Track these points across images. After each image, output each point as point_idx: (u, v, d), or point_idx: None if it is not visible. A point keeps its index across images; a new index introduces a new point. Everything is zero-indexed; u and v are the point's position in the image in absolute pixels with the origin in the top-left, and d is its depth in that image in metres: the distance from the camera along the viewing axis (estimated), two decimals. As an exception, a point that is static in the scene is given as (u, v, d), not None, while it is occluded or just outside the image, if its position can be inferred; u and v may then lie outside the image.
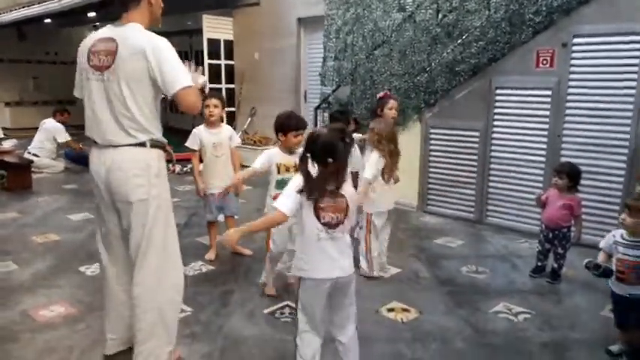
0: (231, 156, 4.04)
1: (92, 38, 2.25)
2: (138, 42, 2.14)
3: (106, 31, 2.24)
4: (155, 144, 2.28)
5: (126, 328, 2.49)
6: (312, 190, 2.06)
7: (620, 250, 2.55)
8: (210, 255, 4.04)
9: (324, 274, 2.11)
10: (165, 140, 2.36)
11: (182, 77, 2.17)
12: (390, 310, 3.17)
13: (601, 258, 2.66)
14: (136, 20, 2.23)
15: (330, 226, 2.09)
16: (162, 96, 2.28)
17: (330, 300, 2.19)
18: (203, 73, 2.77)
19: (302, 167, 2.08)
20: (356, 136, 4.79)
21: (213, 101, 3.89)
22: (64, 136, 7.43)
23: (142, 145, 2.23)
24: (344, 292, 2.20)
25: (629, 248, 2.52)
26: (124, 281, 2.43)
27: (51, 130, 7.47)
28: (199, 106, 2.28)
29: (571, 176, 3.54)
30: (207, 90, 2.85)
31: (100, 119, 2.21)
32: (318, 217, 2.07)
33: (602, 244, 2.69)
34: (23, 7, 10.26)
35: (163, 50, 2.16)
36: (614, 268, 2.57)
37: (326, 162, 2.05)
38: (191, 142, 3.96)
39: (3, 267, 3.78)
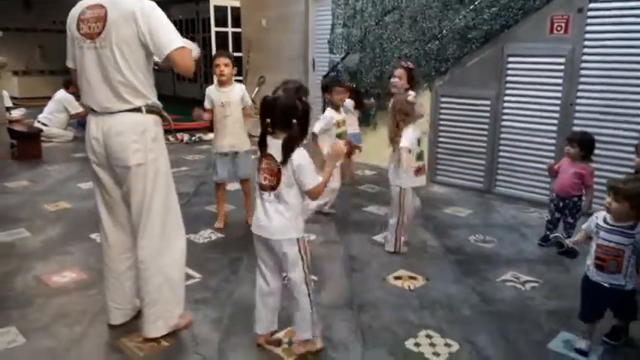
0: (243, 116, 3.99)
1: (80, 6, 2.23)
2: (127, 6, 2.13)
3: None
4: (151, 109, 2.30)
5: (127, 299, 2.54)
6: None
7: (602, 235, 2.31)
8: (219, 224, 4.06)
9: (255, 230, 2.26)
10: (160, 104, 2.37)
11: (174, 38, 2.18)
12: (397, 278, 3.19)
13: (579, 237, 2.54)
14: None
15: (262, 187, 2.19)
16: (155, 61, 2.28)
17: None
18: (200, 45, 2.76)
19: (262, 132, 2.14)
20: (349, 102, 4.72)
21: (223, 60, 3.82)
22: (75, 107, 7.45)
23: (138, 110, 2.25)
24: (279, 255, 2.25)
25: (611, 234, 2.28)
26: (126, 248, 2.47)
27: (62, 101, 7.51)
28: (193, 66, 2.27)
29: (582, 145, 3.49)
30: (197, 56, 2.76)
31: (95, 87, 2.22)
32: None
33: (584, 225, 2.49)
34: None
35: (153, 13, 2.15)
36: (592, 254, 2.35)
37: (290, 125, 2.07)
38: (206, 102, 3.94)
39: (16, 234, 3.85)
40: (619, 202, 2.23)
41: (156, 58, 2.25)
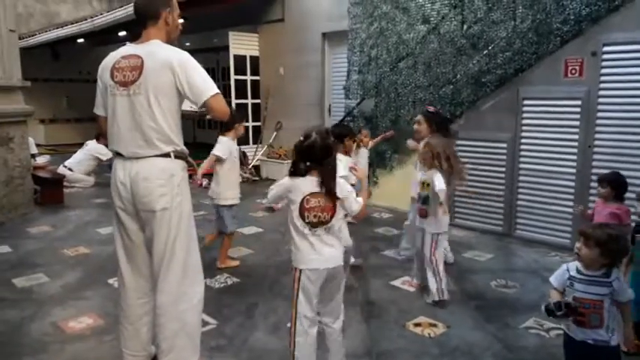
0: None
1: (115, 56, 2.33)
2: (164, 56, 2.23)
3: (129, 49, 2.32)
4: (179, 155, 2.35)
5: (142, 346, 2.51)
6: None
7: (578, 288, 2.11)
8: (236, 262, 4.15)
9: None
10: (187, 151, 2.42)
11: (211, 85, 2.27)
12: (417, 324, 3.11)
13: (553, 297, 2.19)
14: (155, 37, 2.33)
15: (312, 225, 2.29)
16: (191, 107, 2.35)
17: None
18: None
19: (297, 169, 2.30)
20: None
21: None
22: (106, 153, 7.68)
23: (167, 155, 2.30)
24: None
25: (588, 285, 2.10)
26: (144, 292, 2.47)
27: (92, 151, 7.85)
28: (228, 111, 2.39)
29: (613, 184, 3.42)
30: None
31: (125, 132, 2.28)
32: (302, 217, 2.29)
33: (552, 279, 2.23)
34: (57, 28, 10.64)
35: (189, 62, 2.25)
36: None
37: (322, 163, 2.27)
38: (222, 151, 4.01)
39: (35, 279, 3.87)
40: (589, 248, 2.08)
41: (187, 106, 2.33)
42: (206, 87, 2.25)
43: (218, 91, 2.28)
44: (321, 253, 2.30)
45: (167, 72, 2.21)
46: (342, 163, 4.25)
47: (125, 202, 2.34)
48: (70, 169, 7.61)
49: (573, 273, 2.14)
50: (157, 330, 2.38)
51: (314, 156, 2.28)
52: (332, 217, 2.29)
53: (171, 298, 2.34)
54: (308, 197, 2.27)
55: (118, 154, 2.35)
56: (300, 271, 2.30)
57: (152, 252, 2.36)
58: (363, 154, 5.42)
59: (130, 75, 2.23)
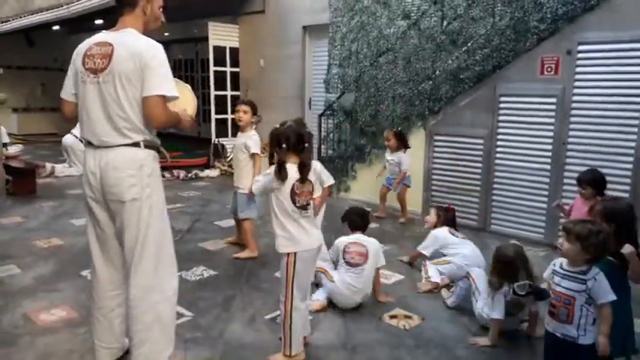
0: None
1: (88, 43, 2.29)
2: (134, 45, 2.19)
3: (103, 35, 2.29)
4: (149, 144, 2.30)
5: (115, 338, 2.48)
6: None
7: (555, 281, 2.21)
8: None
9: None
10: (158, 141, 2.37)
11: (164, 85, 2.19)
12: (393, 317, 3.15)
13: (547, 288, 2.43)
14: (132, 26, 2.28)
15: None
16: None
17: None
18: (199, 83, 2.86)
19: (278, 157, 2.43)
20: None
21: (243, 107, 4.17)
22: None
23: (136, 145, 2.25)
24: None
25: (563, 279, 2.17)
26: (117, 285, 2.43)
27: None
28: (163, 121, 2.25)
29: (592, 185, 3.50)
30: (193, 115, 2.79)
31: (95, 120, 2.24)
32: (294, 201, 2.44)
33: (545, 274, 2.41)
34: (32, 14, 10.37)
35: (157, 56, 2.20)
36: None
37: (297, 149, 2.43)
38: (259, 146, 4.15)
39: (5, 271, 3.79)
40: (570, 243, 2.14)
41: None
42: (157, 84, 2.17)
43: (168, 95, 2.20)
44: (311, 234, 2.49)
45: (135, 59, 2.16)
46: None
47: (95, 191, 2.30)
48: (76, 136, 7.39)
49: (557, 267, 2.23)
50: (129, 322, 2.35)
51: (288, 140, 2.40)
52: (310, 199, 2.48)
53: (144, 290, 2.30)
54: (295, 183, 2.41)
55: (88, 143, 2.31)
56: (295, 254, 2.45)
57: (123, 244, 2.32)
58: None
59: (100, 62, 2.20)
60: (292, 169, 2.42)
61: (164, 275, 2.36)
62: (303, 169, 2.42)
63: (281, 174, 2.39)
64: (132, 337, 2.33)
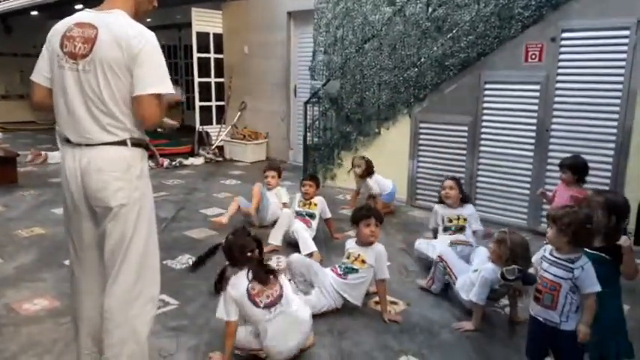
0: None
1: (68, 22, 1.98)
2: (122, 29, 1.89)
3: (85, 15, 1.97)
4: (136, 142, 2.02)
5: (97, 344, 2.19)
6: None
7: (543, 267, 2.22)
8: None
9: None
10: (147, 138, 2.10)
11: (159, 82, 1.94)
12: (378, 302, 3.16)
13: (534, 273, 2.44)
14: (120, 7, 1.98)
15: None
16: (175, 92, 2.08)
17: None
18: (181, 85, 2.70)
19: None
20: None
21: (271, 173, 4.66)
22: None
23: (122, 143, 1.98)
24: None
25: (550, 265, 2.18)
26: (97, 295, 2.13)
27: None
28: (159, 121, 2.05)
29: (572, 169, 3.55)
30: (183, 98, 2.68)
31: (76, 114, 1.94)
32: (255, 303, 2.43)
33: (533, 258, 2.43)
34: (9, 0, 10.11)
35: (149, 45, 1.92)
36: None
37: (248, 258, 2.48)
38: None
39: (-14, 260, 3.73)
40: (554, 230, 2.16)
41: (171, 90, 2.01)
42: (151, 80, 1.91)
43: (164, 92, 1.95)
44: (287, 336, 2.46)
45: (121, 45, 1.87)
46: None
47: (75, 195, 2.01)
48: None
49: (546, 253, 2.24)
50: (103, 335, 2.07)
51: (233, 256, 2.48)
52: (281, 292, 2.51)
53: (121, 302, 2.04)
54: (248, 286, 2.42)
55: (66, 140, 2.00)
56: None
57: (103, 248, 2.04)
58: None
59: (81, 47, 1.90)
60: (241, 276, 2.44)
61: (145, 287, 2.10)
62: (256, 273, 2.44)
63: (220, 284, 2.45)
64: (104, 350, 2.07)
